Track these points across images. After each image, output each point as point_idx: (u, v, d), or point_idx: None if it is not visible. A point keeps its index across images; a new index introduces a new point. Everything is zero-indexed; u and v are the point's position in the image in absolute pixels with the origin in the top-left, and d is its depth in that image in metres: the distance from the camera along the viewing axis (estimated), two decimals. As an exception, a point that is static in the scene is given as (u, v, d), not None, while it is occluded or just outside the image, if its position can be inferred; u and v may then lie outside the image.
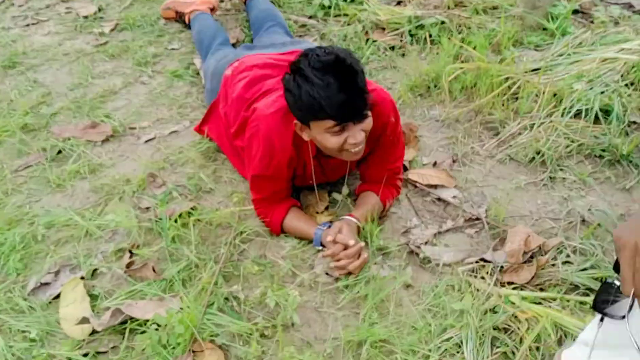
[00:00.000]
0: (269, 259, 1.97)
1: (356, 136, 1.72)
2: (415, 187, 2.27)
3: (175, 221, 2.02)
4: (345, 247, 1.86)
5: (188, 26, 3.30)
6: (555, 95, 2.51)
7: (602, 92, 2.49)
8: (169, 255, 1.93)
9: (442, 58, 2.73)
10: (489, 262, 1.92)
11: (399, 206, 2.18)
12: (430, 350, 1.65)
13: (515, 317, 1.73)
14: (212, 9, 3.31)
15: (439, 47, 2.90)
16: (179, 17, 3.38)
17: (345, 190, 2.18)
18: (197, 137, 2.51)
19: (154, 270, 1.87)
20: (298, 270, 1.92)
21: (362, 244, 1.87)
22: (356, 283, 1.86)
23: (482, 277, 1.87)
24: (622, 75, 2.62)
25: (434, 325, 1.73)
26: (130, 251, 1.94)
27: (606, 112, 2.46)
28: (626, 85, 2.54)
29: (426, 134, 2.52)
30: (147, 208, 2.13)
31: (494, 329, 1.71)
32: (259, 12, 3.14)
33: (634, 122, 2.45)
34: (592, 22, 3.03)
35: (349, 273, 1.87)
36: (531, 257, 1.92)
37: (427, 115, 2.62)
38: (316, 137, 1.76)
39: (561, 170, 2.30)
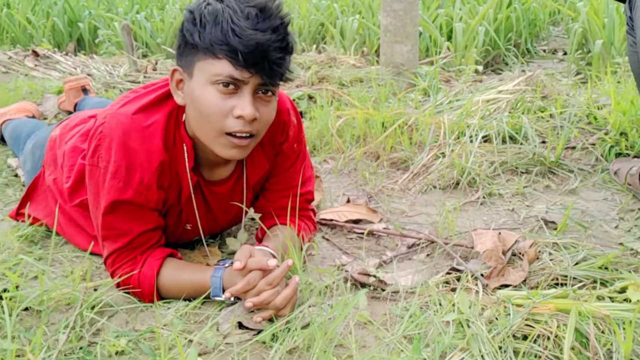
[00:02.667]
0: (142, 331, 1.22)
1: (246, 108, 1.17)
2: (334, 227, 1.72)
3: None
4: (264, 273, 1.21)
5: (1, 141, 2.62)
6: (454, 128, 2.23)
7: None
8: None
9: (323, 115, 2.37)
10: (460, 271, 1.38)
11: (319, 247, 1.60)
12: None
13: (531, 320, 1.16)
14: (31, 118, 2.70)
15: (312, 113, 2.56)
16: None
17: (243, 234, 1.56)
18: (12, 226, 1.76)
19: None
20: (193, 335, 1.20)
21: (290, 261, 1.23)
22: (288, 329, 1.18)
23: (464, 289, 1.30)
24: (510, 111, 2.46)
25: (427, 352, 1.09)
26: None
27: (510, 138, 2.21)
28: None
29: (326, 185, 2.03)
30: None
31: (512, 337, 1.12)
32: (93, 106, 2.60)
33: (543, 142, 2.21)
34: (454, 80, 2.95)
35: (275, 315, 1.20)
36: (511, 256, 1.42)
37: (320, 170, 2.16)
38: (194, 93, 1.19)
39: (491, 187, 1.91)
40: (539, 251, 1.45)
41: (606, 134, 2.11)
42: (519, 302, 1.21)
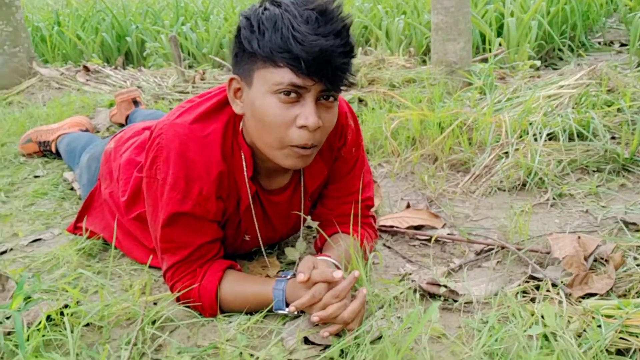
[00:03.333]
0: (205, 347, 1.18)
1: (310, 117, 1.10)
2: (394, 233, 1.64)
3: (39, 330, 1.19)
4: (330, 285, 1.15)
5: (55, 156, 2.66)
6: (516, 126, 2.12)
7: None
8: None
9: (375, 117, 2.30)
10: (538, 279, 1.28)
11: (378, 257, 1.52)
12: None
13: (625, 332, 1.06)
14: (85, 132, 2.73)
15: (363, 117, 2.49)
16: (44, 148, 2.73)
17: (301, 244, 1.50)
18: (70, 239, 1.75)
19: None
20: (258, 351, 1.14)
21: (357, 272, 1.16)
22: (357, 345, 1.11)
23: (545, 299, 1.20)
24: (573, 107, 2.32)
25: (512, 369, 1.01)
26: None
27: (577, 134, 2.09)
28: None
29: (384, 190, 1.96)
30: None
31: (606, 352, 1.02)
32: (144, 118, 2.61)
33: (613, 138, 2.08)
34: (509, 76, 2.83)
35: (342, 329, 1.13)
36: (593, 262, 1.31)
37: (376, 174, 2.09)
38: (254, 104, 1.13)
39: (561, 188, 1.80)
40: (623, 256, 1.34)
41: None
42: (609, 313, 1.11)
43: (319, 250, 1.49)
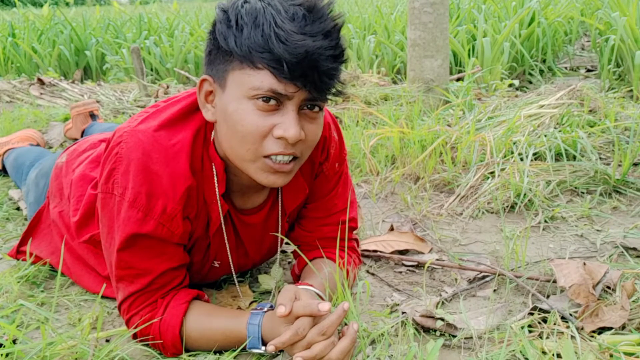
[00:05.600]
0: (166, 394, 1.00)
1: (290, 129, 0.95)
2: (378, 259, 1.50)
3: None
4: (315, 320, 0.99)
5: (2, 172, 2.42)
6: (500, 146, 2.02)
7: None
8: None
9: (352, 135, 2.17)
10: (545, 311, 1.15)
11: (365, 284, 1.37)
12: None
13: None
14: (36, 147, 2.51)
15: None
16: (-12, 165, 2.50)
17: (277, 270, 1.34)
18: (11, 265, 1.54)
19: None
20: (229, 399, 0.97)
21: (346, 304, 1.01)
22: (348, 391, 0.95)
23: (552, 332, 1.07)
24: (555, 127, 2.25)
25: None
26: None
27: (562, 154, 2.00)
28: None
29: (364, 211, 1.82)
30: None
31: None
32: (101, 132, 2.41)
33: (599, 159, 1.99)
34: (485, 96, 2.76)
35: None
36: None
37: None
38: (227, 109, 0.98)
39: (553, 210, 1.69)
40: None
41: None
42: (630, 350, 0.98)
43: (297, 278, 1.33)
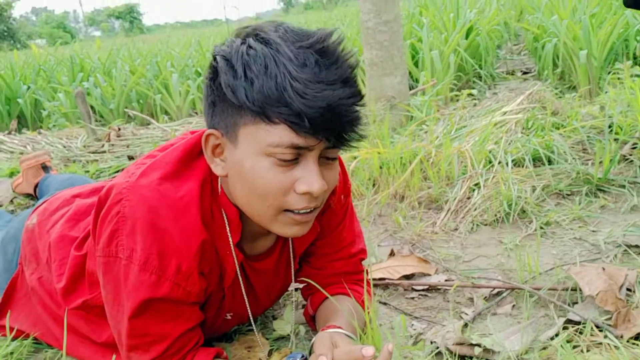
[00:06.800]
0: None
1: (314, 183, 0.89)
2: (386, 286, 1.45)
3: None
4: (360, 366, 0.92)
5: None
6: (479, 156, 2.02)
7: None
8: None
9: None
10: (576, 322, 1.13)
11: (379, 314, 1.32)
12: None
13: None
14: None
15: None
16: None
17: (290, 314, 1.26)
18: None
19: None
20: None
21: (390, 346, 0.94)
22: None
23: (591, 344, 1.05)
24: (522, 132, 2.28)
25: None
26: None
27: (540, 159, 2.02)
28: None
29: (353, 237, 1.76)
30: None
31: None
32: (59, 185, 2.25)
33: (575, 158, 2.03)
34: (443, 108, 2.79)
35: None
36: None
37: (340, 221, 1.89)
38: (243, 166, 0.90)
39: (545, 216, 1.70)
40: (645, 283, 1.23)
41: (640, 141, 1.95)
42: (676, 354, 0.97)
43: (311, 318, 1.26)
